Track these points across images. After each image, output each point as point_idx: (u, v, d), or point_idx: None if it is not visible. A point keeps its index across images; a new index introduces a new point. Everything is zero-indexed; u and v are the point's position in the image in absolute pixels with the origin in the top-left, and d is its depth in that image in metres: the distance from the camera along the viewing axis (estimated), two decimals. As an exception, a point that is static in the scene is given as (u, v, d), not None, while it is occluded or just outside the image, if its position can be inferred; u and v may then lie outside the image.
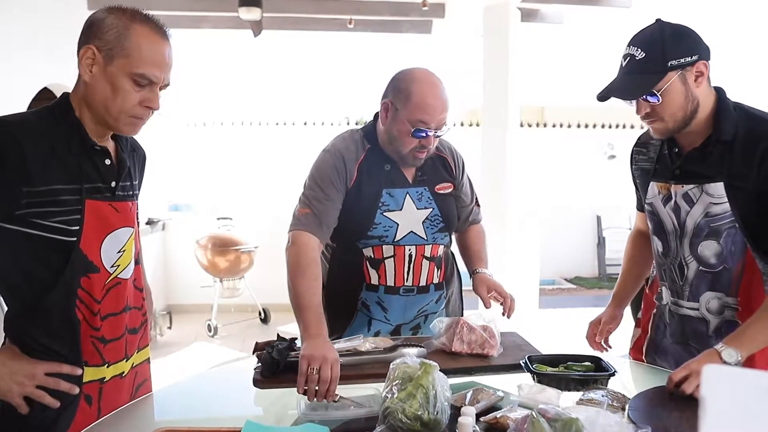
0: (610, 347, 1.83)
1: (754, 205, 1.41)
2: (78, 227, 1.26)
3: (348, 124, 7.89)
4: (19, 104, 3.37)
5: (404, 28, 6.19)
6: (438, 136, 1.73)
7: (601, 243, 8.75)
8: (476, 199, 2.03)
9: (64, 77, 3.88)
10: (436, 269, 1.85)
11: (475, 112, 6.92)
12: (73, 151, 1.28)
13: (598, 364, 1.49)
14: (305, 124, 7.62)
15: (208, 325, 5.10)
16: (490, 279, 1.86)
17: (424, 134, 1.68)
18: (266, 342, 1.58)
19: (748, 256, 1.48)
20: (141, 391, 1.49)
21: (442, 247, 1.87)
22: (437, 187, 1.84)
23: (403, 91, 1.68)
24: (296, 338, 1.60)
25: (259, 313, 5.53)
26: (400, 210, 1.78)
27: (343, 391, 1.35)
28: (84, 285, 1.29)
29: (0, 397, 1.24)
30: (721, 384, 0.65)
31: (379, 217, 1.76)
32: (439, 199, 1.83)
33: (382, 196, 1.77)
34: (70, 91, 1.33)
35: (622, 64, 1.46)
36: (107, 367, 1.36)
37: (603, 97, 1.48)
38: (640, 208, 1.76)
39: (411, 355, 1.33)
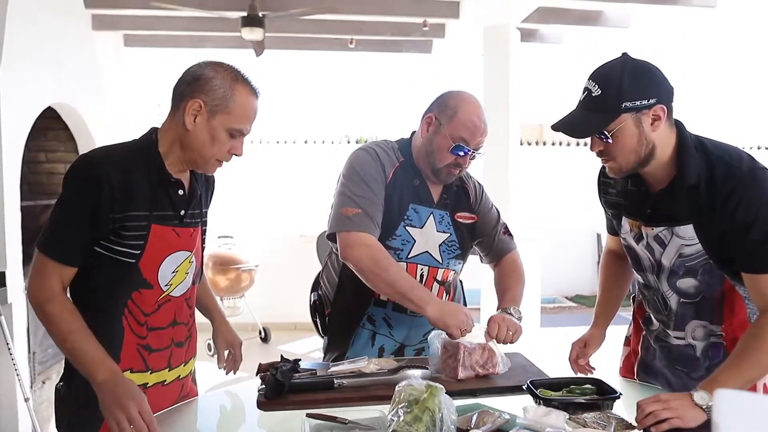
0: (593, 369, 1.78)
1: (720, 242, 1.40)
2: (140, 251, 1.40)
3: (348, 143, 7.91)
4: (23, 119, 3.38)
5: (405, 47, 6.24)
6: (473, 158, 1.77)
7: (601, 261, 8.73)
8: (506, 228, 1.99)
9: (67, 94, 3.91)
10: (445, 294, 1.86)
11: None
12: (150, 181, 1.42)
13: (600, 387, 1.48)
14: (306, 142, 7.64)
15: (208, 344, 5.04)
16: (497, 315, 1.73)
17: (462, 152, 1.73)
18: (270, 363, 1.57)
19: (726, 283, 1.50)
20: (187, 398, 1.58)
21: (453, 273, 1.88)
22: (457, 215, 1.86)
23: (451, 108, 1.74)
24: (300, 359, 1.59)
25: (260, 332, 5.50)
26: (421, 228, 1.80)
27: (348, 413, 1.34)
28: (135, 298, 1.43)
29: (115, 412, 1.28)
30: (735, 409, 0.65)
31: (401, 229, 1.78)
32: (458, 227, 1.86)
33: (408, 209, 1.79)
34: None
35: (581, 97, 1.42)
36: (150, 373, 1.48)
37: (556, 129, 1.44)
38: (610, 230, 1.77)
39: (416, 377, 1.32)
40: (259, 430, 1.44)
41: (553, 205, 8.33)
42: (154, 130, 1.49)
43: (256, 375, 1.57)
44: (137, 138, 1.50)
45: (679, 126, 1.45)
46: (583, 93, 1.41)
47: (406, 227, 1.78)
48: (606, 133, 1.37)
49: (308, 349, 5.20)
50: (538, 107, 8.91)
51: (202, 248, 1.61)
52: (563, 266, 8.18)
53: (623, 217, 1.59)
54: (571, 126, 1.43)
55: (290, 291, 5.21)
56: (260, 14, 4.46)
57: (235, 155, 1.49)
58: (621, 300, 1.82)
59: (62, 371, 1.50)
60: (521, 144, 6.18)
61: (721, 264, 1.44)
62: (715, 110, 8.10)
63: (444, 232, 1.84)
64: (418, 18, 5.29)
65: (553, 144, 8.98)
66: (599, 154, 1.45)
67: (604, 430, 1.26)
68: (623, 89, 1.34)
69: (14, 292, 3.15)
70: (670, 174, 1.44)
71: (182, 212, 1.48)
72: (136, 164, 1.42)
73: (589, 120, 1.39)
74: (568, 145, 8.95)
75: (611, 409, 1.40)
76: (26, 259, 3.33)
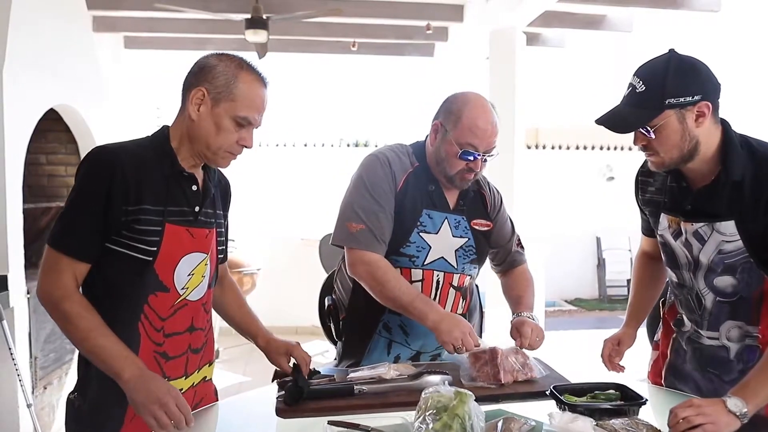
0: (623, 368, 1.79)
1: (762, 239, 1.40)
2: (156, 248, 1.36)
3: (349, 146, 7.89)
4: (25, 121, 3.34)
5: (407, 51, 6.23)
6: (485, 161, 1.72)
7: (601, 264, 8.72)
8: (519, 240, 1.99)
9: (69, 97, 3.87)
10: (461, 300, 1.84)
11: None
12: (163, 174, 1.39)
13: (624, 392, 1.46)
14: (305, 145, 7.62)
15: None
16: (530, 321, 1.74)
17: (471, 157, 1.68)
18: (287, 369, 1.54)
19: (766, 283, 1.48)
20: (201, 406, 1.53)
21: (468, 278, 1.85)
22: (474, 221, 1.83)
23: (455, 113, 1.69)
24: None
25: (261, 336, 5.46)
26: (436, 234, 1.76)
27: (369, 420, 1.31)
28: (151, 302, 1.38)
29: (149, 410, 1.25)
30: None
31: (415, 236, 1.74)
32: (475, 233, 1.83)
33: (422, 215, 1.75)
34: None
35: (625, 93, 1.43)
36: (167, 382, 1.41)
37: (600, 123, 1.44)
38: (645, 231, 1.75)
39: (439, 382, 1.30)
40: (278, 437, 1.41)
41: (551, 209, 8.31)
42: (165, 127, 1.46)
43: (272, 381, 1.55)
44: (149, 135, 1.47)
45: (724, 123, 1.44)
46: (628, 89, 1.41)
47: (420, 233, 1.75)
48: (649, 128, 1.37)
49: (311, 353, 5.16)
50: (533, 110, 8.91)
51: (218, 251, 1.56)
52: (563, 270, 8.17)
53: (661, 214, 1.57)
54: (613, 121, 1.42)
55: (292, 294, 5.17)
56: (264, 16, 4.44)
57: (245, 147, 1.43)
58: (653, 301, 1.82)
59: (75, 381, 1.44)
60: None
61: (761, 262, 1.43)
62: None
63: (461, 237, 1.80)
64: (421, 21, 5.28)
65: (552, 147, 8.97)
66: (642, 148, 1.44)
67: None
68: (667, 86, 1.34)
69: (16, 296, 3.11)
70: (714, 170, 1.43)
71: (197, 209, 1.43)
72: (150, 157, 1.39)
73: (632, 115, 1.39)
74: (567, 148, 8.95)
75: (637, 414, 1.37)
76: (27, 262, 3.29)
